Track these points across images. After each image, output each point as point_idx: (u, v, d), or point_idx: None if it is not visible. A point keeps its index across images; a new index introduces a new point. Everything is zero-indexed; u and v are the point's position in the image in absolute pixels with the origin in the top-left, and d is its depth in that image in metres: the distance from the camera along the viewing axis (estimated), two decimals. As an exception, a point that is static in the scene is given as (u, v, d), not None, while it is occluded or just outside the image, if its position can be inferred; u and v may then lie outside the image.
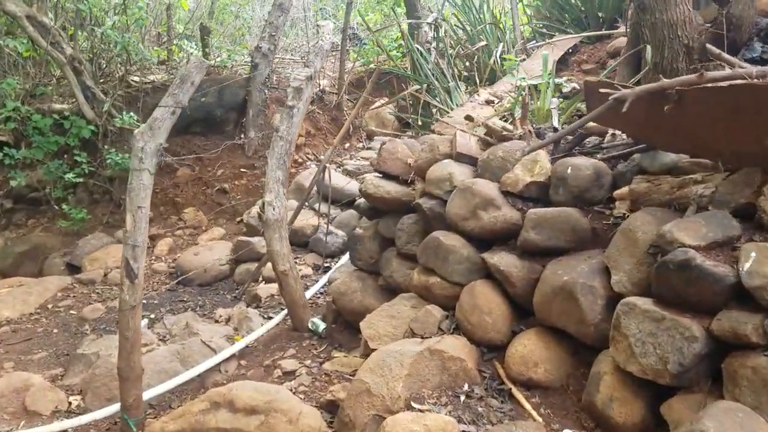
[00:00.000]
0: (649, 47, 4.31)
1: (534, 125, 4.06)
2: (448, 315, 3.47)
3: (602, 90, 2.80)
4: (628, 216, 2.95)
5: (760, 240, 2.32)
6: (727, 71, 2.68)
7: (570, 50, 6.88)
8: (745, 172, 2.48)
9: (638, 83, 4.37)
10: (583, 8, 7.78)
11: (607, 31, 7.29)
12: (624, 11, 7.86)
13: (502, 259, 3.20)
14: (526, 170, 3.42)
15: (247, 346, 4.33)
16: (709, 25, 4.27)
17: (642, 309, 2.41)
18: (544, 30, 7.94)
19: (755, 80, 2.57)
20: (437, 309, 3.47)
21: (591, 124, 3.57)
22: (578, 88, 5.54)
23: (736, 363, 2.16)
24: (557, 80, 5.36)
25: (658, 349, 2.32)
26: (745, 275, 2.16)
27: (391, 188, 4.26)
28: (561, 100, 5.03)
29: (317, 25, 8.24)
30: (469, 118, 4.64)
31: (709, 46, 3.41)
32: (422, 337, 3.28)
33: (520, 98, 4.36)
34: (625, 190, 3.05)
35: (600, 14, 7.65)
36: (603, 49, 7.30)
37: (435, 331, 3.36)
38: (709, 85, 2.56)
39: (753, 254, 2.18)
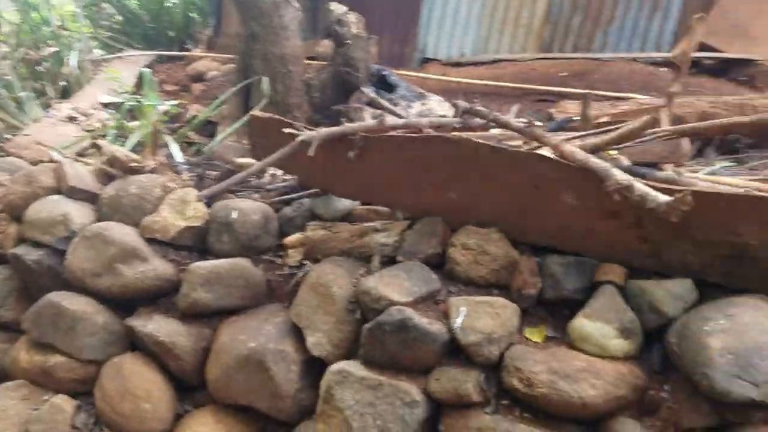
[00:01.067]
0: (265, 79, 4.19)
1: (168, 157, 3.50)
2: (81, 405, 2.65)
3: (286, 130, 2.50)
4: (305, 266, 2.72)
5: (455, 291, 2.35)
6: (403, 120, 2.69)
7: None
8: (428, 222, 2.50)
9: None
10: (152, 25, 7.36)
11: (182, 53, 7.10)
12: (194, 33, 7.79)
13: (162, 327, 2.59)
14: (176, 213, 2.87)
15: None
16: (329, 63, 4.39)
17: (358, 377, 2.19)
18: (111, 42, 7.25)
19: (429, 129, 2.63)
20: (67, 400, 2.62)
21: (242, 159, 3.24)
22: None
23: (458, 424, 2.11)
24: (169, 102, 4.84)
25: (379, 420, 2.13)
26: (460, 332, 2.14)
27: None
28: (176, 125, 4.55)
29: None
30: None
31: (366, 90, 3.43)
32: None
33: (149, 124, 3.72)
34: (297, 237, 2.81)
35: (170, 33, 7.27)
36: (180, 71, 7.03)
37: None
38: (394, 134, 2.51)
39: (463, 309, 2.17)
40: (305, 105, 4.51)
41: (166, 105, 4.50)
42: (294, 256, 2.78)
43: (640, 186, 1.93)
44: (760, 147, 3.69)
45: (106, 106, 5.28)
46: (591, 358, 2.05)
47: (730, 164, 3.17)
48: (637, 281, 2.19)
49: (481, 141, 2.32)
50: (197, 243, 2.87)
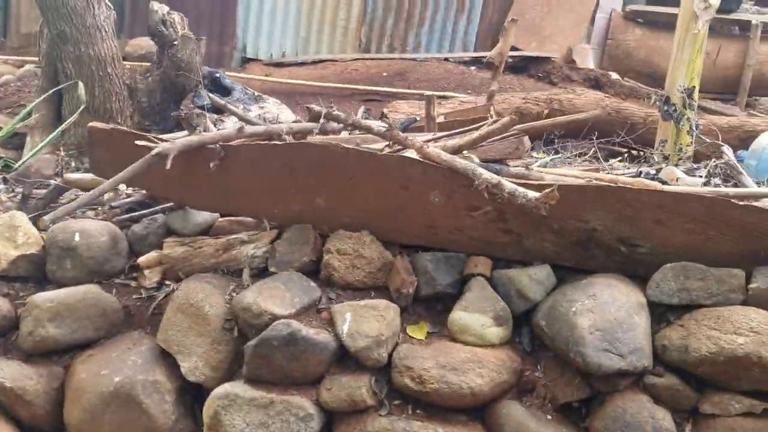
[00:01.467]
0: (81, 84, 3.85)
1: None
2: None
3: (139, 143, 2.31)
4: (165, 286, 2.54)
5: (334, 298, 2.34)
6: (263, 126, 2.61)
7: None
8: (298, 229, 2.46)
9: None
10: None
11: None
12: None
13: (5, 371, 2.26)
14: (5, 241, 2.52)
15: None
16: (154, 65, 4.13)
17: (246, 398, 2.09)
18: None
19: (288, 135, 2.59)
20: None
21: (74, 175, 2.94)
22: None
23: (355, 431, 2.11)
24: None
25: (273, 439, 2.06)
26: (348, 338, 2.14)
27: None
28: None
29: None
30: None
31: (213, 96, 3.25)
32: None
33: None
34: (153, 256, 2.60)
35: None
36: None
37: None
38: (258, 141, 2.44)
39: (348, 315, 2.17)
40: (128, 110, 4.20)
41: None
42: (151, 277, 2.58)
43: (508, 183, 2.07)
44: (571, 138, 4.13)
45: None
46: (474, 349, 2.17)
47: (555, 156, 3.52)
48: (502, 271, 2.35)
49: (349, 146, 2.34)
50: (34, 272, 2.54)
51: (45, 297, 2.36)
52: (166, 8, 4.03)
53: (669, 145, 3.96)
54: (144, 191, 2.74)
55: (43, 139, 3.92)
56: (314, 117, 2.74)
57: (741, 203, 2.15)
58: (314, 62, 6.73)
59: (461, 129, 2.69)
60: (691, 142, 3.94)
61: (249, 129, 2.46)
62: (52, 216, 2.24)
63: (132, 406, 2.20)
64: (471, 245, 2.39)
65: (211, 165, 2.38)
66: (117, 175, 2.24)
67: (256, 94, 4.24)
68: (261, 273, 2.49)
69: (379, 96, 5.61)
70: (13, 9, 7.19)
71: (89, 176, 2.89)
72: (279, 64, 6.74)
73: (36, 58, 4.79)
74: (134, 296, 2.56)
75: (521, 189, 2.03)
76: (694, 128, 3.88)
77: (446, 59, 7.04)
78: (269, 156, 2.38)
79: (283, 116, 4.13)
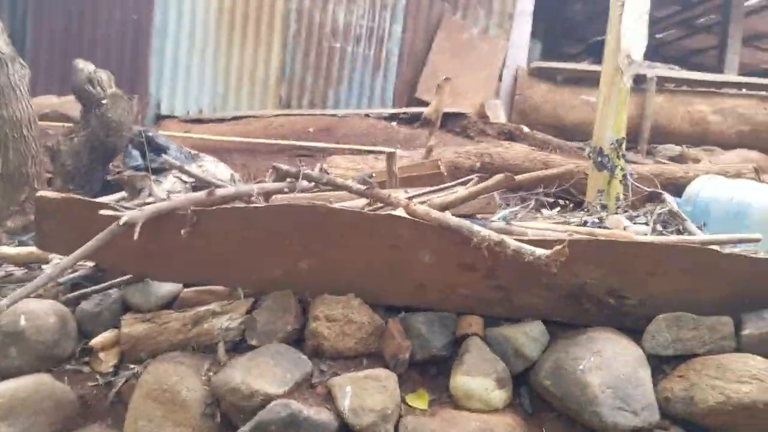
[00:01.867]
0: None
1: None
2: None
3: (103, 212, 2.07)
4: (122, 370, 2.27)
5: (326, 369, 2.16)
6: (233, 188, 2.43)
7: None
8: (278, 297, 2.28)
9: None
10: None
11: None
12: None
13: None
14: (-68, 330, 2.17)
15: None
16: (79, 125, 3.84)
17: (244, 493, 1.86)
18: None
19: (255, 198, 2.44)
20: None
21: (6, 249, 2.63)
22: None
23: None
24: None
25: None
26: (350, 415, 1.97)
27: None
28: None
29: None
30: None
31: (168, 158, 3.03)
32: None
33: None
34: (108, 336, 2.32)
35: None
36: None
37: None
38: (240, 206, 2.26)
39: (348, 389, 2.01)
40: (45, 174, 3.86)
41: None
42: (107, 361, 2.29)
43: (512, 241, 2.02)
44: (526, 190, 4.19)
45: None
46: (481, 416, 2.07)
47: (513, 209, 3.54)
48: (496, 329, 2.28)
49: (335, 206, 2.22)
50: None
51: (-9, 392, 2.03)
52: (92, 66, 3.77)
53: (606, 194, 4.11)
54: (96, 264, 2.46)
55: None
56: (282, 176, 2.60)
57: (726, 252, 2.22)
58: (234, 118, 6.55)
59: (440, 186, 2.63)
60: (627, 192, 4.10)
61: (219, 191, 2.28)
62: (9, 300, 1.93)
63: None
64: (462, 303, 2.31)
65: (183, 232, 2.17)
66: (79, 249, 1.99)
67: (192, 152, 4.02)
68: (235, 346, 2.29)
69: (309, 151, 5.52)
70: None
71: (26, 250, 2.59)
72: (198, 121, 6.52)
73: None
74: (89, 383, 2.26)
75: (527, 246, 1.99)
76: (629, 177, 4.05)
77: (366, 115, 7.08)
78: (248, 220, 2.21)
79: (220, 174, 3.93)
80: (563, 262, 2.11)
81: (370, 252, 2.25)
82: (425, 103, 7.48)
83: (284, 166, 2.59)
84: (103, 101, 3.67)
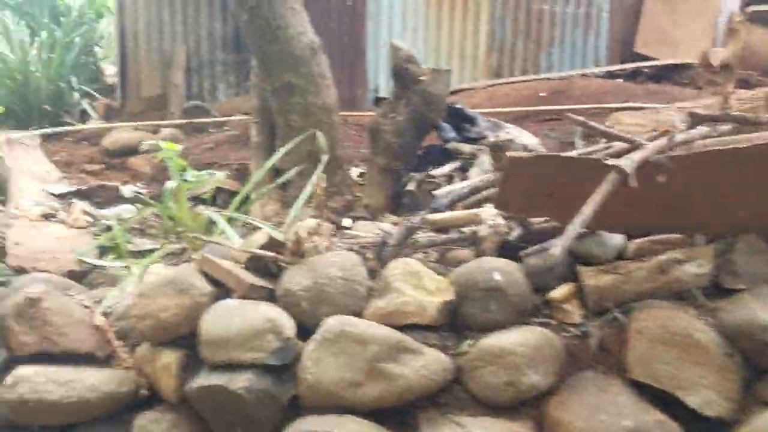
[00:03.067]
0: (320, 134, 3.69)
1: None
2: None
3: (606, 163, 2.10)
4: (592, 320, 2.32)
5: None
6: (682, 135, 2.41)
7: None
8: (748, 239, 2.24)
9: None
10: (18, 102, 6.58)
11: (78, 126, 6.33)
12: (72, 101, 6.91)
13: (488, 429, 2.03)
14: (419, 289, 2.32)
15: None
16: (401, 103, 3.98)
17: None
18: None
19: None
20: None
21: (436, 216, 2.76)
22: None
23: None
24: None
25: None
26: None
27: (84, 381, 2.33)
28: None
29: None
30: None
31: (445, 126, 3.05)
32: None
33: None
34: (566, 289, 2.38)
35: (46, 107, 6.63)
36: (84, 148, 6.24)
37: None
38: (721, 148, 2.24)
39: None
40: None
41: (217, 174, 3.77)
42: (573, 312, 2.36)
43: None
44: None
45: (61, 197, 4.32)
46: None
47: None
48: None
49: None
50: (449, 320, 2.33)
51: (513, 341, 2.14)
52: (405, 45, 3.91)
53: None
54: (552, 222, 2.53)
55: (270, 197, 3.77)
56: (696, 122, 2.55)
57: None
58: (460, 90, 6.59)
59: None
60: None
61: (679, 137, 2.27)
62: (560, 248, 1.99)
63: None
64: None
65: (660, 178, 2.17)
66: (584, 208, 2.02)
67: (495, 121, 4.07)
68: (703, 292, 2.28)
69: (555, 115, 5.43)
70: (130, 74, 7.13)
71: (451, 214, 2.72)
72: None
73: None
74: (563, 335, 2.33)
75: None
76: None
77: (584, 75, 6.90)
78: (726, 162, 2.17)
79: (525, 140, 3.95)
80: None
81: None
82: (644, 58, 7.21)
83: (701, 112, 2.54)
84: (420, 78, 3.79)
